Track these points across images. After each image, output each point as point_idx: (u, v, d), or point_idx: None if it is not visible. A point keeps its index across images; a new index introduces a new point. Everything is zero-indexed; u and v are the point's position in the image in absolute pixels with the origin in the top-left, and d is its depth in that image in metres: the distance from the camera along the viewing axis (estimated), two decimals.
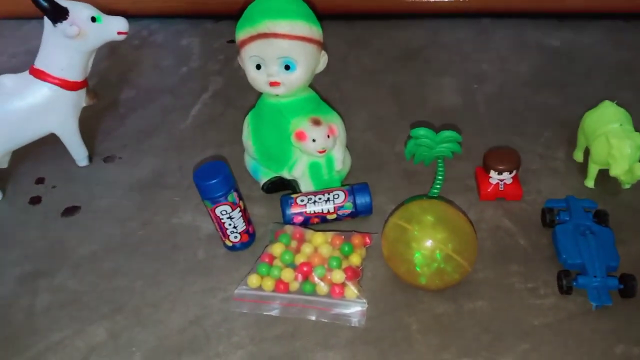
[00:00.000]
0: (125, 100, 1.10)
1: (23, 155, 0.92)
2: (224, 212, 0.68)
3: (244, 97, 1.05)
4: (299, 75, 0.71)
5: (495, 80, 1.06)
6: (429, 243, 0.61)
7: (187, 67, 1.19)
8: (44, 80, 0.83)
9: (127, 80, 1.17)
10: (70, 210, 0.84)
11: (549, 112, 0.96)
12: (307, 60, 0.71)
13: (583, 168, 0.81)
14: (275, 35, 0.68)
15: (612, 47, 1.14)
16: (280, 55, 0.70)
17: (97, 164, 0.93)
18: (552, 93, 1.01)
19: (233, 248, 0.73)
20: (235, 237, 0.71)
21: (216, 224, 0.70)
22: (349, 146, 0.82)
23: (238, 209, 0.69)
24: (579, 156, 0.83)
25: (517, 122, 0.94)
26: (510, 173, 0.74)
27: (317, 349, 0.61)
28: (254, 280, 0.66)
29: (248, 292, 0.66)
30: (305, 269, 0.65)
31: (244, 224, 0.71)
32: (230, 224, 0.69)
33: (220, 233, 0.71)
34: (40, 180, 0.91)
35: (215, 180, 0.65)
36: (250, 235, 0.73)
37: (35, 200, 0.87)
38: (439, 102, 1.01)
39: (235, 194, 0.68)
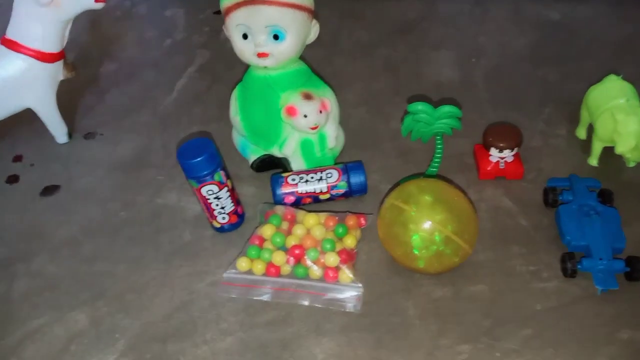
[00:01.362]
0: (107, 74, 1.05)
1: None
2: (210, 192, 0.64)
3: (232, 71, 1.00)
4: (289, 46, 0.67)
5: (493, 54, 1.02)
6: (427, 224, 0.57)
7: (171, 40, 1.14)
8: (17, 51, 0.78)
9: (108, 53, 1.11)
10: (50, 190, 0.80)
11: (550, 88, 0.92)
12: (298, 30, 0.67)
13: (586, 145, 0.78)
14: (262, 2, 0.64)
15: (613, 20, 1.10)
16: (269, 23, 0.65)
17: (77, 141, 0.89)
18: (552, 68, 0.97)
19: (221, 230, 0.69)
20: (223, 218, 0.67)
21: (203, 204, 0.66)
22: (342, 122, 0.78)
23: (225, 188, 0.65)
24: (581, 133, 0.80)
25: (516, 98, 0.90)
26: (511, 151, 0.71)
27: (310, 336, 0.58)
28: (243, 263, 0.63)
29: (237, 276, 0.62)
30: (297, 251, 0.62)
31: (232, 204, 0.67)
32: (217, 205, 0.66)
33: (207, 214, 0.67)
34: (17, 158, 0.86)
35: (200, 158, 0.61)
36: (239, 216, 0.69)
37: (13, 180, 0.82)
38: (435, 77, 0.96)
39: (222, 172, 0.64)
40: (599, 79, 0.77)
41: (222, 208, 0.66)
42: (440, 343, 0.56)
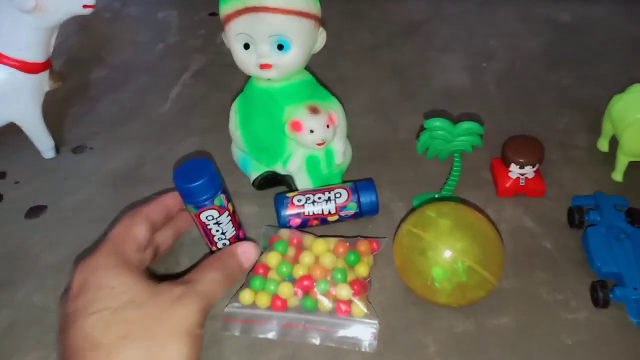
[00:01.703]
0: (96, 81, 0.99)
1: None
2: (210, 218, 0.59)
3: (229, 77, 0.95)
4: (294, 57, 0.62)
5: (504, 58, 0.97)
6: (448, 254, 0.53)
7: (164, 44, 1.08)
8: None
9: (97, 58, 1.05)
10: (36, 211, 0.74)
11: (565, 93, 0.88)
12: (304, 39, 0.61)
13: (608, 158, 0.73)
14: (266, 9, 0.58)
15: (626, 21, 1.06)
16: (272, 32, 0.60)
17: (65, 155, 0.83)
18: (566, 72, 0.93)
19: None
20: (224, 244, 0.62)
21: (201, 230, 0.61)
22: (348, 133, 0.72)
23: (227, 212, 0.60)
24: (603, 145, 0.75)
25: (531, 105, 0.85)
26: (532, 167, 0.66)
27: None
28: (246, 296, 0.57)
29: (240, 311, 0.57)
30: (305, 282, 0.57)
31: (233, 229, 0.62)
32: (217, 230, 0.60)
33: (207, 240, 0.62)
34: (1, 175, 0.80)
35: (198, 182, 0.56)
36: (240, 241, 0.64)
37: None
38: (445, 82, 0.92)
39: (222, 195, 0.59)
40: (614, 82, 0.73)
41: (223, 234, 0.61)
42: None
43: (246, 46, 0.62)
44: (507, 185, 0.68)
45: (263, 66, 0.62)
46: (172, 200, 0.62)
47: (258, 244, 0.59)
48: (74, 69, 1.01)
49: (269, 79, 0.64)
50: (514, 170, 0.67)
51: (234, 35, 0.62)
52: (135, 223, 0.55)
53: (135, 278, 0.48)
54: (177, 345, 0.46)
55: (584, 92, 0.87)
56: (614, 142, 0.74)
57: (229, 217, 0.61)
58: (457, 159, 0.64)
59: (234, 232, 0.62)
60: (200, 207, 0.58)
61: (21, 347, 0.58)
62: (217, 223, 0.60)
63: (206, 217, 0.59)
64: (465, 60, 0.96)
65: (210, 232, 0.60)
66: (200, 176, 0.56)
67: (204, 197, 0.57)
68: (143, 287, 0.47)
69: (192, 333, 0.47)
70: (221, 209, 0.59)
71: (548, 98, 0.87)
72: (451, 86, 0.91)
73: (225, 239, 0.62)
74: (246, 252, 0.57)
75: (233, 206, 0.62)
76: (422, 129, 0.63)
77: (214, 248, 0.63)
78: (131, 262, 0.51)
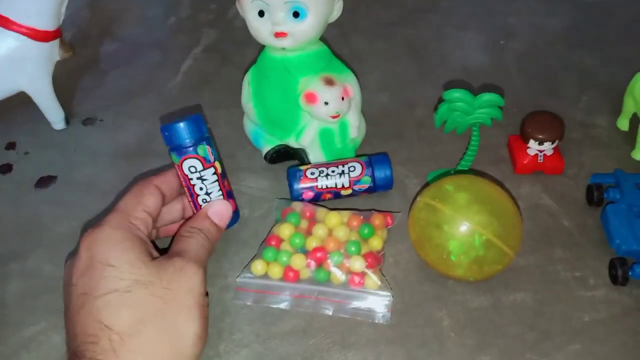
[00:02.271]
0: (107, 54, 0.98)
1: None
2: (192, 169, 0.56)
3: (241, 52, 0.93)
4: (310, 25, 0.60)
5: (524, 36, 0.94)
6: (465, 226, 0.51)
7: (175, 18, 1.06)
8: (9, 28, 0.71)
9: (108, 32, 1.04)
10: (46, 181, 0.74)
11: (586, 73, 0.86)
12: (320, 7, 0.60)
13: (628, 137, 0.72)
14: None
15: None
16: None
17: (76, 127, 0.82)
18: (588, 52, 0.90)
19: None
20: None
21: (185, 189, 0.57)
22: (362, 109, 0.71)
23: (212, 169, 0.57)
24: (623, 124, 0.74)
25: (551, 85, 0.83)
26: (552, 143, 0.65)
27: (334, 349, 0.52)
28: (258, 266, 0.57)
29: (252, 281, 0.57)
30: (319, 254, 0.56)
31: (219, 192, 0.58)
32: (201, 189, 0.57)
33: (191, 204, 0.58)
34: (10, 146, 0.80)
35: (179, 123, 0.55)
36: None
37: (5, 169, 0.76)
38: (462, 60, 0.90)
39: (207, 148, 0.57)
40: (639, 64, 0.70)
41: (208, 195, 0.57)
42: (480, 359, 0.51)
43: (261, 13, 0.60)
44: (525, 162, 0.67)
45: (278, 34, 0.60)
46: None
47: (231, 207, 0.58)
48: (84, 43, 0.99)
49: (283, 49, 0.63)
50: (533, 146, 0.65)
51: (249, 2, 0.60)
52: (146, 193, 0.54)
53: (139, 254, 0.47)
54: (188, 319, 0.46)
55: (606, 73, 0.85)
56: (634, 122, 0.72)
57: (216, 177, 0.57)
58: (475, 133, 0.62)
59: (221, 197, 0.58)
60: (182, 154, 0.56)
61: (33, 315, 0.58)
62: (201, 179, 0.57)
63: (188, 169, 0.56)
64: (484, 38, 0.94)
65: (193, 188, 0.57)
66: (184, 120, 0.55)
67: (185, 141, 0.55)
68: (146, 264, 0.46)
69: (200, 303, 0.47)
70: (205, 162, 0.56)
71: (569, 78, 0.85)
72: (469, 64, 0.89)
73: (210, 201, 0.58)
74: (218, 211, 0.56)
75: (224, 170, 0.59)
76: (441, 101, 0.61)
77: None
78: (138, 235, 0.49)
